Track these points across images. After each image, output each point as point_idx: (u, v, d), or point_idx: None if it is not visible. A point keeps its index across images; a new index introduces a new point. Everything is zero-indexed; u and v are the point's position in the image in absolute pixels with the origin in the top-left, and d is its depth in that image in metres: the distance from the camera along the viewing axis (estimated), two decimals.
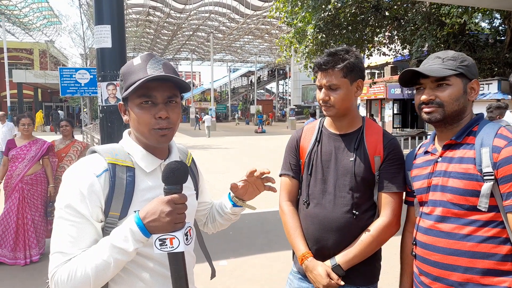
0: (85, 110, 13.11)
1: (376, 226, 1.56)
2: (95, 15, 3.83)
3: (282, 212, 1.74)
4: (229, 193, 1.43)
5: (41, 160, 4.53)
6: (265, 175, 1.35)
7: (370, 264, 1.63)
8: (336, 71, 1.55)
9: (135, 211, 1.06)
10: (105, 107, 3.83)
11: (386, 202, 1.57)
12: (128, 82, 1.12)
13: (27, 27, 29.91)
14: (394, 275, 3.88)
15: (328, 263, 1.57)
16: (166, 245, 1.01)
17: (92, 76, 10.03)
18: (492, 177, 1.22)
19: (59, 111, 30.34)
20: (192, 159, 1.41)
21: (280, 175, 1.78)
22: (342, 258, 1.55)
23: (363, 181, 1.58)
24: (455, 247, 1.28)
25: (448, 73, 1.32)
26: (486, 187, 1.23)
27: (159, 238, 1.01)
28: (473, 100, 1.40)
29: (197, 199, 1.38)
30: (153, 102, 1.12)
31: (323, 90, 1.59)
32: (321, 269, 1.54)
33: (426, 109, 1.38)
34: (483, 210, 1.24)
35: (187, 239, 1.07)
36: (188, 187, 1.25)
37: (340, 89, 1.56)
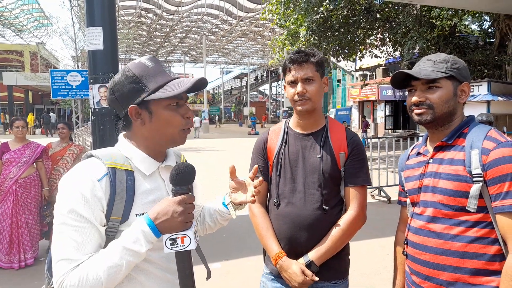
0: (76, 113, 13.00)
1: (345, 220, 1.62)
2: (86, 17, 3.81)
3: (252, 214, 1.76)
4: (227, 193, 1.43)
5: (35, 163, 4.49)
6: (258, 188, 1.34)
7: (340, 258, 1.68)
8: (310, 65, 1.62)
9: (136, 215, 1.08)
10: (97, 110, 3.81)
11: (352, 196, 1.63)
12: (155, 84, 1.12)
13: (17, 29, 29.59)
14: (387, 276, 3.92)
15: (302, 260, 1.60)
16: (177, 244, 1.04)
17: (83, 78, 9.97)
18: (481, 178, 1.24)
19: (51, 114, 30.05)
20: (185, 161, 1.41)
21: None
22: (315, 254, 1.59)
23: (331, 177, 1.63)
24: (445, 247, 1.30)
25: (438, 75, 1.35)
26: (475, 188, 1.25)
27: (170, 237, 1.04)
28: (464, 102, 1.42)
29: None
30: (178, 104, 1.15)
31: (299, 84, 1.62)
32: (295, 267, 1.57)
33: (416, 111, 1.40)
34: (472, 211, 1.26)
35: (196, 237, 1.09)
36: None
37: (315, 82, 1.63)
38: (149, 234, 1.02)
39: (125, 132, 1.22)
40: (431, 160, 1.40)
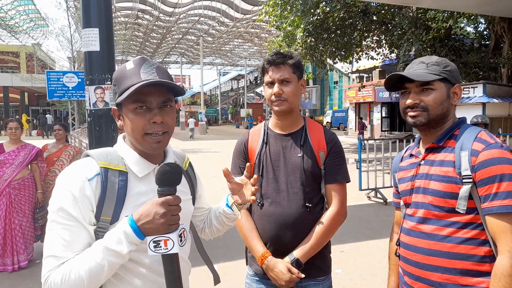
0: (73, 115, 12.95)
1: (327, 217, 1.66)
2: (82, 18, 3.80)
3: None
4: (229, 194, 1.42)
5: (29, 165, 4.46)
6: (255, 186, 1.34)
7: (323, 256, 1.71)
8: (287, 66, 1.66)
9: (126, 216, 1.05)
10: (93, 111, 3.80)
11: (333, 194, 1.68)
12: (122, 87, 1.11)
13: (13, 29, 29.47)
14: (383, 277, 3.92)
15: (287, 259, 1.62)
16: (160, 247, 1.01)
17: (80, 80, 9.93)
18: (471, 180, 1.25)
19: (47, 115, 29.93)
20: (190, 164, 1.40)
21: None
22: (300, 252, 1.62)
23: (312, 175, 1.67)
24: (435, 247, 1.31)
25: (433, 77, 1.36)
26: (464, 189, 1.26)
27: (153, 240, 1.01)
28: (456, 105, 1.44)
29: (194, 204, 1.37)
30: (147, 107, 1.11)
31: (276, 85, 1.66)
32: (281, 266, 1.59)
33: (411, 113, 1.41)
34: (462, 212, 1.27)
35: (181, 240, 1.07)
36: (183, 191, 1.24)
37: (291, 83, 1.66)
38: (132, 235, 1.00)
39: (124, 133, 1.22)
40: (422, 162, 1.41)
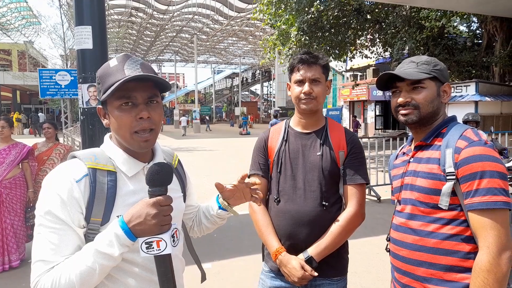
0: (65, 113, 12.84)
1: (344, 216, 1.65)
2: (75, 15, 3.77)
3: (252, 211, 1.79)
4: (218, 195, 1.42)
5: (20, 164, 4.42)
6: (254, 186, 1.35)
7: (339, 256, 1.71)
8: (318, 67, 1.69)
9: (117, 216, 1.03)
10: (86, 109, 3.77)
11: (351, 194, 1.67)
12: (106, 85, 1.09)
13: (4, 27, 29.11)
14: (377, 275, 3.95)
15: (301, 256, 1.62)
16: (153, 248, 0.99)
17: (72, 78, 9.85)
18: (454, 176, 1.27)
19: (39, 114, 29.63)
20: (179, 161, 1.39)
21: (249, 175, 1.82)
22: (314, 250, 1.61)
23: (330, 175, 1.67)
24: (421, 243, 1.34)
25: (423, 76, 1.38)
26: (446, 186, 1.28)
27: (145, 241, 0.99)
28: (446, 103, 1.46)
29: (184, 201, 1.36)
30: (133, 103, 1.09)
31: (306, 84, 1.67)
32: (295, 262, 1.59)
33: (402, 111, 1.43)
34: (444, 208, 1.29)
35: (173, 241, 1.05)
36: (174, 189, 1.23)
37: (321, 83, 1.69)
38: (123, 237, 0.98)
39: (111, 133, 1.20)
40: (411, 159, 1.44)
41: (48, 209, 1.02)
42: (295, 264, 1.58)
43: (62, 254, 1.01)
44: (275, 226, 1.72)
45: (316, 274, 1.59)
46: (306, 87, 1.67)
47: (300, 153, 1.71)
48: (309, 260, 1.60)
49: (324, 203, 1.65)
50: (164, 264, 1.03)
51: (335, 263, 1.69)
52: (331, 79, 1.76)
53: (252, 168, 1.84)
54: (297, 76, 1.69)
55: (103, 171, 1.09)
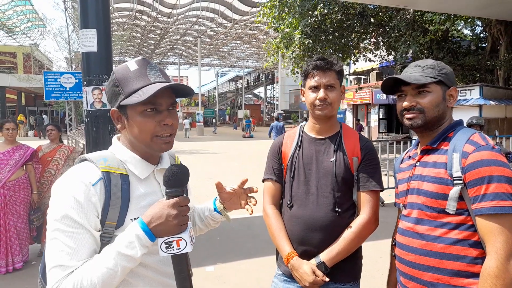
0: (70, 115, 12.91)
1: (357, 223, 1.65)
2: (80, 19, 3.79)
3: (266, 215, 1.79)
4: (216, 198, 1.44)
5: (24, 166, 4.44)
6: (252, 194, 1.37)
7: (352, 261, 1.70)
8: (333, 72, 1.70)
9: (131, 219, 1.06)
10: (90, 112, 3.79)
11: (365, 201, 1.67)
12: (129, 89, 1.09)
13: (10, 30, 29.36)
14: (381, 279, 3.91)
15: (313, 261, 1.63)
16: (173, 247, 1.03)
17: (77, 80, 9.90)
18: (461, 181, 1.26)
19: (44, 116, 29.79)
20: (180, 163, 1.41)
21: (263, 180, 1.85)
22: (327, 255, 1.61)
23: (343, 181, 1.67)
24: (427, 248, 1.33)
25: (428, 80, 1.38)
26: (454, 191, 1.27)
27: (165, 241, 1.02)
28: (452, 107, 1.45)
29: None
30: (157, 110, 1.11)
31: (322, 90, 1.68)
32: (306, 267, 1.59)
33: (408, 115, 1.43)
34: (451, 213, 1.28)
35: (192, 239, 1.08)
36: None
37: (336, 89, 1.70)
38: (144, 238, 1.01)
39: (118, 135, 1.21)
40: (418, 163, 1.43)
41: (65, 213, 1.01)
42: (306, 269, 1.59)
43: (80, 258, 1.01)
44: (288, 230, 1.72)
45: (327, 279, 1.58)
46: (321, 93, 1.67)
47: (313, 159, 1.72)
48: (321, 265, 1.60)
49: (337, 209, 1.65)
50: (181, 263, 1.06)
51: (347, 268, 1.68)
52: (344, 85, 1.77)
53: (266, 173, 1.85)
54: (312, 82, 1.70)
55: (116, 175, 1.10)
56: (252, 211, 1.34)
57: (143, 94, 1.06)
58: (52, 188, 1.07)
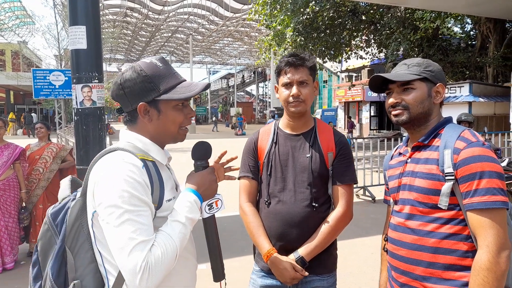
0: (59, 113, 12.76)
1: (333, 217, 1.68)
2: (69, 15, 3.75)
3: (243, 213, 1.81)
4: None
5: (12, 165, 4.38)
6: (229, 164, 1.46)
7: (329, 253, 1.74)
8: (305, 68, 1.69)
9: (166, 201, 1.19)
10: (80, 110, 3.75)
11: (340, 194, 1.70)
12: (166, 86, 1.21)
13: None
14: (372, 275, 3.96)
15: (292, 256, 1.65)
16: (213, 207, 1.27)
17: (67, 78, 9.78)
18: (453, 177, 1.29)
19: (33, 114, 29.40)
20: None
21: (239, 178, 1.84)
22: (305, 250, 1.65)
23: (319, 176, 1.70)
24: (419, 242, 1.35)
25: (412, 77, 1.41)
26: (446, 186, 1.30)
27: (208, 203, 1.26)
28: (441, 103, 1.48)
29: None
30: (184, 104, 1.26)
31: (294, 86, 1.68)
32: (286, 263, 1.62)
33: (393, 112, 1.46)
34: (443, 208, 1.31)
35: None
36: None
37: (309, 85, 1.70)
38: (198, 202, 1.21)
39: (128, 127, 1.28)
40: (409, 160, 1.45)
41: (131, 193, 1.07)
42: (286, 265, 1.61)
43: (152, 233, 1.09)
44: (266, 227, 1.74)
45: (306, 274, 1.62)
46: (294, 90, 1.67)
47: (290, 155, 1.73)
48: (300, 260, 1.63)
49: (314, 204, 1.68)
50: (215, 223, 1.32)
51: (324, 260, 1.72)
52: (317, 81, 1.78)
53: (241, 170, 1.85)
54: (284, 79, 1.70)
55: (149, 162, 1.20)
56: (235, 178, 1.52)
57: (185, 92, 1.21)
58: (100, 179, 1.10)
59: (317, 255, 1.66)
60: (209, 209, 1.25)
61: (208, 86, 1.30)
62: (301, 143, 1.74)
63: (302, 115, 1.74)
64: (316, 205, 1.68)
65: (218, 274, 1.41)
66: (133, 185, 1.07)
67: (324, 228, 1.66)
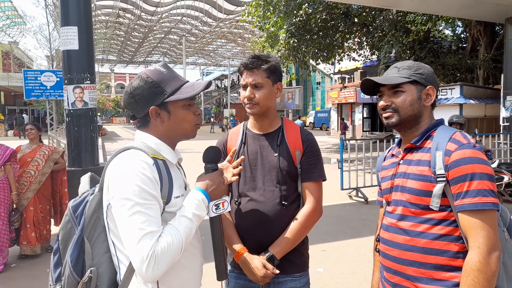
0: (51, 114, 12.64)
1: (302, 213, 1.70)
2: (61, 16, 3.72)
3: None
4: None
5: (3, 167, 4.32)
6: (239, 168, 1.59)
7: (300, 253, 1.75)
8: (261, 71, 1.69)
9: (174, 197, 1.26)
10: (71, 111, 3.72)
11: (309, 191, 1.73)
12: (172, 88, 1.30)
13: None
14: (364, 276, 3.98)
15: (263, 255, 1.66)
16: (220, 208, 1.34)
17: (58, 79, 9.70)
18: (444, 178, 1.30)
19: (24, 115, 29.08)
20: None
21: None
22: (275, 248, 1.66)
23: (288, 174, 1.72)
24: (411, 243, 1.36)
25: (401, 80, 1.43)
26: (437, 188, 1.31)
27: (215, 203, 1.34)
28: (433, 105, 1.49)
29: None
30: (190, 104, 1.35)
31: (248, 88, 1.70)
32: (257, 262, 1.63)
33: (384, 114, 1.48)
34: (435, 209, 1.32)
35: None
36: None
37: (264, 88, 1.70)
38: (205, 201, 1.28)
39: (141, 130, 1.37)
40: (401, 161, 1.47)
41: (141, 187, 1.16)
42: (257, 264, 1.62)
43: (160, 225, 1.18)
44: (236, 227, 1.75)
45: (277, 271, 1.63)
46: (247, 92, 1.70)
47: (258, 155, 1.75)
48: (271, 259, 1.64)
49: (283, 202, 1.70)
50: (219, 221, 1.38)
51: (295, 260, 1.73)
52: (280, 82, 1.78)
53: None
54: (242, 80, 1.74)
55: (160, 160, 1.28)
56: (237, 179, 1.58)
57: (189, 91, 1.30)
58: (113, 174, 1.20)
59: (288, 255, 1.67)
60: (216, 209, 1.32)
61: (209, 84, 1.35)
62: (269, 143, 1.76)
63: (262, 116, 1.76)
64: (286, 203, 1.70)
65: (222, 273, 1.44)
66: (143, 181, 1.16)
67: (293, 225, 1.67)
